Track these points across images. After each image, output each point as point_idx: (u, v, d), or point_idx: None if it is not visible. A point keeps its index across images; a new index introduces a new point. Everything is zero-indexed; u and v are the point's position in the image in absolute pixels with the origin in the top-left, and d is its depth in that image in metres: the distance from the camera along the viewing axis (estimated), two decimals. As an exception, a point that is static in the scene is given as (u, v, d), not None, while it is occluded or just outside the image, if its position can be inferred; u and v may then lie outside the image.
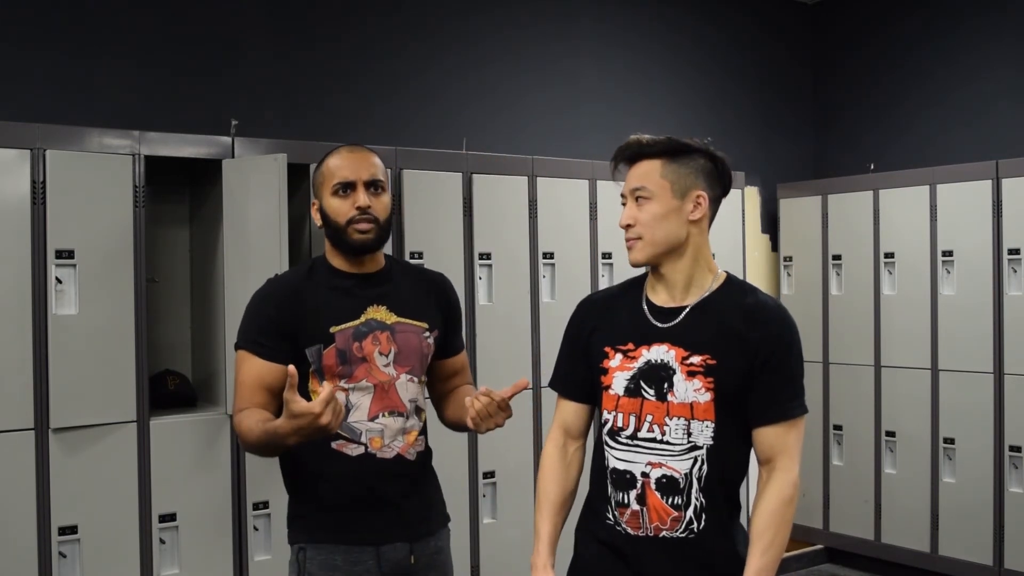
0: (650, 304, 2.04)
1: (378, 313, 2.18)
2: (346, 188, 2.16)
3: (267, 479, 3.26)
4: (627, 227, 2.01)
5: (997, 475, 4.43)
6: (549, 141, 4.62)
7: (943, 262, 4.61)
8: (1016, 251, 4.35)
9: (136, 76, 3.67)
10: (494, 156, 3.94)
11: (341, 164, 2.18)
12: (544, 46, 4.73)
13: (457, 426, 2.33)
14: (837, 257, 5.06)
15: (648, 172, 2.00)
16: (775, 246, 5.48)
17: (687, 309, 2.00)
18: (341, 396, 2.11)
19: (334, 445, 2.14)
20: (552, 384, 2.18)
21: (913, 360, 4.73)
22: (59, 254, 2.96)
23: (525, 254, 3.90)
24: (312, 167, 3.29)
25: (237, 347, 2.18)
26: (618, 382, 2.00)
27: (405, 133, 4.19)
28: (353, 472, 2.15)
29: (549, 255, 3.95)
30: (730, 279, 2.06)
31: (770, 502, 1.93)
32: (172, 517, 3.15)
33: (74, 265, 2.98)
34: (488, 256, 3.79)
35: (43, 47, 3.50)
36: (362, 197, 2.15)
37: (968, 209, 4.51)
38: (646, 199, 1.99)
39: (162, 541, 3.13)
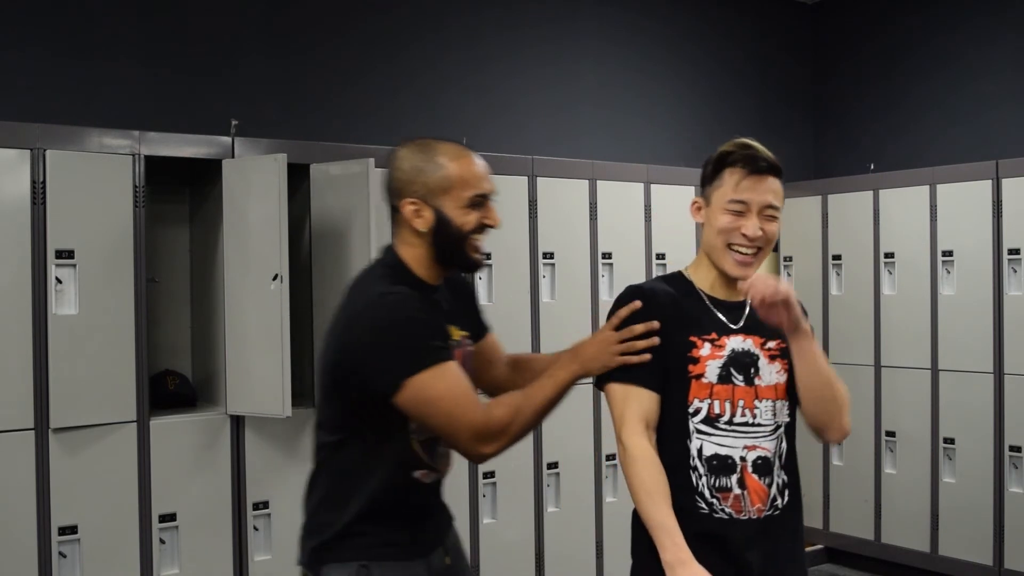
0: (713, 299, 2.10)
1: (452, 331, 2.07)
2: (483, 201, 2.03)
3: (267, 479, 3.26)
4: (752, 239, 2.02)
5: (997, 475, 4.43)
6: (549, 141, 4.62)
7: (943, 262, 4.61)
8: (1016, 251, 4.35)
9: (136, 76, 3.67)
10: (494, 156, 3.91)
11: (480, 175, 2.03)
12: (544, 46, 4.73)
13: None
14: (837, 257, 5.06)
15: (779, 192, 2.05)
16: (775, 246, 5.47)
17: (747, 303, 2.07)
18: None
19: (416, 474, 2.06)
20: (624, 377, 2.02)
21: (913, 360, 4.73)
22: (59, 254, 2.96)
23: (525, 254, 3.90)
24: (313, 167, 3.33)
25: (428, 364, 1.89)
26: (711, 370, 2.03)
27: (405, 133, 4.16)
28: (422, 496, 2.10)
29: (549, 255, 3.95)
30: None
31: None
32: (172, 517, 3.15)
33: (74, 265, 2.98)
34: (488, 256, 3.79)
35: (43, 47, 3.50)
36: (496, 215, 2.04)
37: (968, 209, 4.51)
38: (775, 219, 2.04)
39: (162, 541, 3.13)
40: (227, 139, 3.31)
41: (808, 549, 5.19)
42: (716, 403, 2.02)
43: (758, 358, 2.05)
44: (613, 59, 4.97)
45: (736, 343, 2.05)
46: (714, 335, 2.05)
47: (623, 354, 2.00)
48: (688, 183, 4.34)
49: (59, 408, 2.95)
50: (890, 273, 4.83)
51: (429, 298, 2.02)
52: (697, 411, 2.03)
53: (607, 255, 4.10)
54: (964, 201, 4.53)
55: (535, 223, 3.91)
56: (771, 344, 2.07)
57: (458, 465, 3.65)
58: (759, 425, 2.03)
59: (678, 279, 2.14)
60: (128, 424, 3.09)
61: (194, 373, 3.59)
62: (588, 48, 4.88)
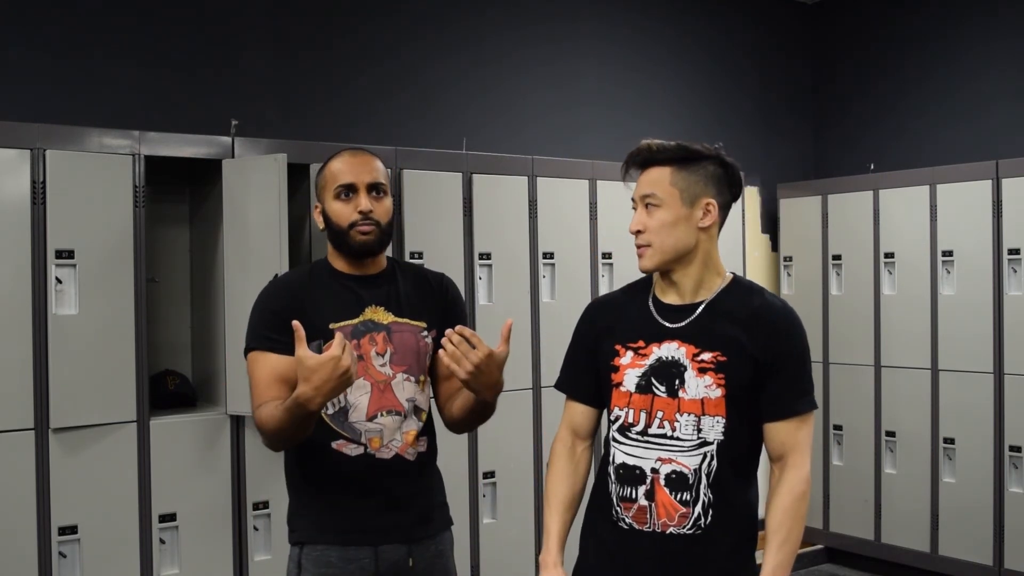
0: (659, 303, 2.07)
1: (376, 314, 2.21)
2: (348, 192, 2.19)
3: (267, 479, 3.26)
4: (636, 233, 2.03)
5: (997, 475, 4.43)
6: (549, 141, 4.62)
7: (943, 262, 4.61)
8: (1016, 251, 4.35)
9: (136, 76, 3.67)
10: (494, 156, 3.94)
11: (343, 168, 2.21)
12: (544, 46, 4.72)
13: (459, 421, 2.26)
14: (837, 257, 5.06)
15: (658, 179, 2.01)
16: (775, 246, 5.48)
17: (698, 308, 2.03)
18: (339, 396, 2.12)
19: (334, 445, 2.15)
20: (559, 386, 2.20)
21: (913, 360, 4.73)
22: (59, 254, 2.96)
23: (525, 254, 3.90)
24: (312, 167, 3.32)
25: (248, 350, 2.17)
26: (629, 379, 2.02)
27: (405, 133, 4.19)
28: (352, 472, 2.16)
29: (549, 255, 3.95)
30: (737, 280, 2.09)
31: (783, 498, 1.98)
32: (172, 517, 3.15)
33: (74, 265, 2.98)
34: (488, 256, 3.79)
35: (43, 47, 3.50)
36: (364, 201, 2.18)
37: (968, 209, 4.51)
38: (656, 206, 2.01)
39: (162, 541, 3.13)
40: (227, 139, 3.31)
41: (808, 549, 5.19)
42: (631, 412, 2.01)
43: (685, 369, 1.98)
44: (613, 59, 4.97)
45: (667, 351, 2.01)
46: (640, 343, 2.03)
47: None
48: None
49: (59, 408, 2.95)
50: (890, 273, 4.83)
51: (338, 283, 2.22)
52: (617, 419, 2.05)
53: (607, 255, 4.10)
54: (964, 201, 4.53)
55: (535, 223, 3.91)
56: (705, 356, 1.98)
57: (458, 464, 3.68)
58: (678, 439, 1.97)
59: (641, 284, 2.16)
60: (128, 424, 3.09)
61: (194, 373, 3.59)
62: (588, 48, 4.88)
